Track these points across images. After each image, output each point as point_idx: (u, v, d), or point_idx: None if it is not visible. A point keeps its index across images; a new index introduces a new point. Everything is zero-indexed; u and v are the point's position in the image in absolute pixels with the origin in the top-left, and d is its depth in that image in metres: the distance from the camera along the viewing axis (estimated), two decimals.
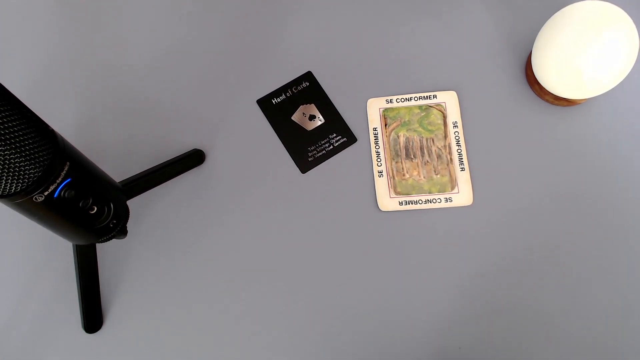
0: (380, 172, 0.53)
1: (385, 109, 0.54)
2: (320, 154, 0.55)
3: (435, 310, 0.49)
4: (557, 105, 0.56)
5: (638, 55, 0.48)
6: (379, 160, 0.53)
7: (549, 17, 0.52)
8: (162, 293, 0.51)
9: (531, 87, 0.57)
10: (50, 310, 0.51)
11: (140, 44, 0.60)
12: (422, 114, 0.54)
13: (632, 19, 0.47)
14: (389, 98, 0.55)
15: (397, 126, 0.53)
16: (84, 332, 0.50)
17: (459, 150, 0.53)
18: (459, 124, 0.53)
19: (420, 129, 0.53)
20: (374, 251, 0.51)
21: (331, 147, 0.56)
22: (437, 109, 0.54)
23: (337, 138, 0.56)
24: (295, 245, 0.51)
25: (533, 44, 0.54)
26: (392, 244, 0.52)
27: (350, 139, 0.56)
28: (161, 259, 0.52)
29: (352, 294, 0.50)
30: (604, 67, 0.47)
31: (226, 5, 0.62)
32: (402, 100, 0.55)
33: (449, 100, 0.54)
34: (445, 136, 0.53)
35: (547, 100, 0.56)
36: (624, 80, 0.49)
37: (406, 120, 0.54)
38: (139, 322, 0.50)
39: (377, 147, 0.54)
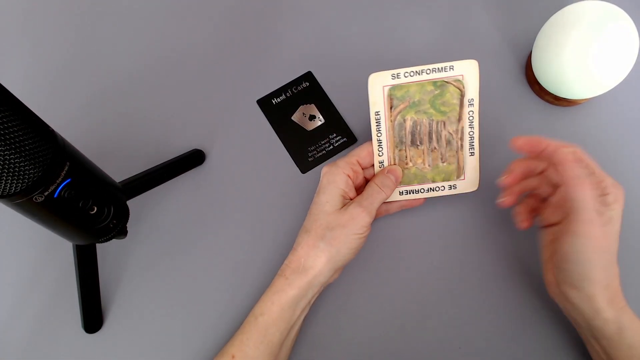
0: (382, 162, 0.48)
1: (392, 87, 0.45)
2: (320, 154, 0.55)
3: (435, 307, 0.49)
4: (557, 105, 0.56)
5: (638, 54, 0.48)
6: (380, 149, 0.47)
7: (549, 17, 0.51)
8: (162, 292, 0.51)
9: (531, 87, 0.56)
10: (50, 310, 0.51)
11: (140, 43, 0.60)
12: (436, 92, 0.45)
13: (632, 19, 0.47)
14: (395, 72, 0.45)
15: (405, 108, 0.46)
16: (83, 332, 0.50)
17: (471, 133, 0.46)
18: (476, 101, 0.46)
19: (431, 111, 0.46)
20: (373, 247, 0.51)
21: (331, 147, 0.55)
22: (455, 85, 0.45)
23: (337, 138, 0.56)
24: None
25: (533, 44, 0.54)
26: (391, 237, 0.51)
27: (350, 139, 0.56)
28: (161, 258, 0.52)
29: (349, 292, 0.50)
30: (604, 66, 0.47)
31: (226, 5, 0.62)
32: (412, 74, 0.45)
33: (468, 71, 0.45)
34: (460, 119, 0.46)
35: (547, 101, 0.56)
36: (624, 79, 0.49)
37: (416, 100, 0.45)
38: (139, 322, 0.50)
39: (379, 134, 0.47)
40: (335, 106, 0.57)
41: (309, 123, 0.56)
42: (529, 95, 0.56)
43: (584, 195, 0.40)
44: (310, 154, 0.55)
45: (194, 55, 0.60)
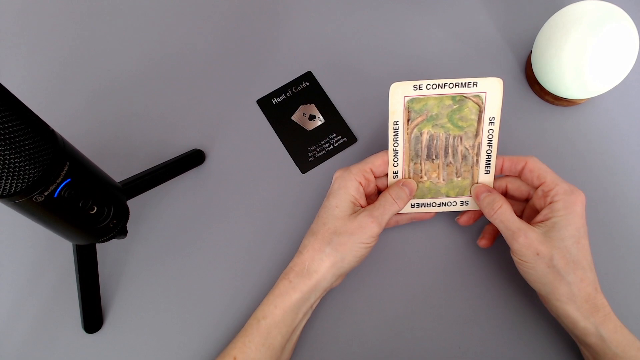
0: (396, 173, 0.47)
1: (411, 99, 0.44)
2: (320, 154, 0.55)
3: (435, 307, 0.49)
4: (557, 105, 0.56)
5: (638, 54, 0.48)
6: (395, 160, 0.46)
7: (549, 17, 0.52)
8: (162, 293, 0.51)
9: (531, 87, 0.57)
10: (50, 310, 0.51)
11: (140, 43, 0.60)
12: (455, 107, 0.44)
13: (632, 19, 0.47)
14: (417, 83, 0.44)
15: (422, 122, 0.45)
16: (83, 332, 0.50)
17: (489, 152, 0.46)
18: (496, 120, 0.45)
19: (448, 125, 0.45)
20: (377, 254, 0.51)
21: (331, 147, 0.56)
22: (474, 101, 0.44)
23: (337, 138, 0.56)
24: (296, 245, 0.51)
25: (533, 44, 0.54)
26: (396, 246, 0.51)
27: (351, 139, 0.56)
28: (161, 258, 0.52)
29: (352, 294, 0.50)
30: (604, 66, 0.47)
31: (226, 5, 0.62)
32: (434, 86, 0.44)
33: (491, 89, 0.44)
34: (477, 135, 0.45)
35: (547, 101, 0.56)
36: (624, 79, 0.49)
37: (433, 114, 0.45)
38: (139, 322, 0.50)
39: (395, 144, 0.46)
40: (335, 106, 0.57)
41: (309, 123, 0.56)
42: (529, 95, 0.56)
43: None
44: (310, 154, 0.55)
45: (194, 55, 0.60)
